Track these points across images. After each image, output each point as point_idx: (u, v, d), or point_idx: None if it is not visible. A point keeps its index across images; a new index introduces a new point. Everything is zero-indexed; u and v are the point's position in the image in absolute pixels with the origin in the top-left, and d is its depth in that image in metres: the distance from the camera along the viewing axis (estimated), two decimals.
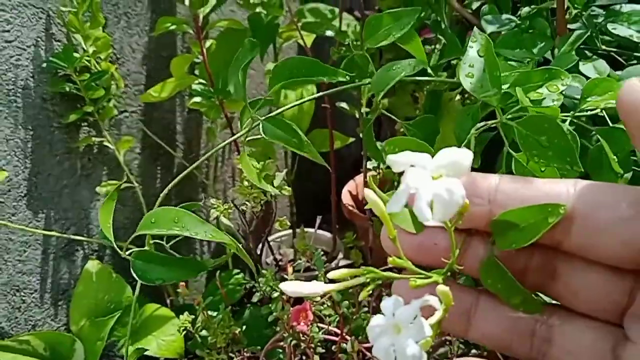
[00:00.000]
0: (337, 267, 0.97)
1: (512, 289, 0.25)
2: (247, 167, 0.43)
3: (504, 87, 0.34)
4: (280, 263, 0.96)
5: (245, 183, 0.57)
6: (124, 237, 0.85)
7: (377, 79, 0.35)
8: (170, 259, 0.38)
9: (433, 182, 0.21)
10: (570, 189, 0.24)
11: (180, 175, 0.49)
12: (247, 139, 0.42)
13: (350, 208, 0.96)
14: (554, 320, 0.26)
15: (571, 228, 0.23)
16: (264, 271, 0.60)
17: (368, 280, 0.24)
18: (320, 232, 1.03)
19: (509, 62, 0.43)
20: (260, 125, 0.39)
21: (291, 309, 0.56)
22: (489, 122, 0.36)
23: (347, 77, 0.37)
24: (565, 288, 0.25)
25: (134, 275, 0.37)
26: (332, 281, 0.25)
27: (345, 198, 1.01)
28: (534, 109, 0.32)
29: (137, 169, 0.89)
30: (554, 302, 0.26)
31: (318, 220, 1.00)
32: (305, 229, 1.00)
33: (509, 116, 0.33)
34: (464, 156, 0.21)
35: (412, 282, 0.23)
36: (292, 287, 0.24)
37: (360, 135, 0.91)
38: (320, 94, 0.47)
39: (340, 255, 1.00)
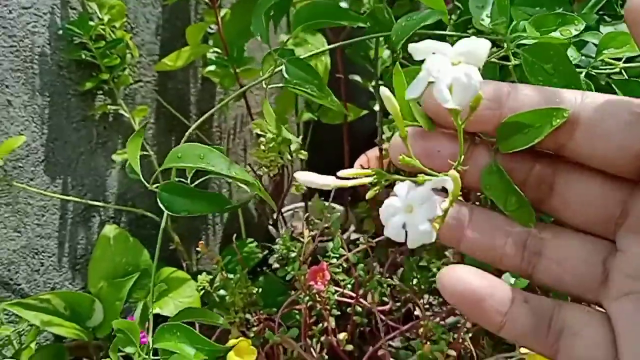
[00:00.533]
0: (350, 240, 0.98)
1: (509, 193, 0.25)
2: (268, 113, 0.44)
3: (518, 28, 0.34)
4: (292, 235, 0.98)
5: (262, 147, 0.57)
6: (140, 205, 0.87)
7: (397, 29, 0.35)
8: (196, 191, 0.40)
9: (452, 67, 0.22)
10: (578, 97, 0.25)
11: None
12: (269, 86, 0.42)
13: None
14: (546, 233, 0.26)
15: (574, 133, 0.24)
16: (280, 239, 0.61)
17: (375, 181, 0.25)
18: (331, 204, 1.04)
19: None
20: (283, 67, 0.40)
21: (308, 269, 0.57)
22: (498, 51, 0.37)
23: (366, 24, 0.38)
24: (560, 200, 0.26)
25: (161, 206, 0.38)
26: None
27: None
28: (541, 38, 0.32)
29: (152, 139, 0.90)
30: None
31: (332, 192, 1.01)
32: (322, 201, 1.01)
33: (516, 46, 0.34)
34: (482, 45, 0.22)
35: (420, 178, 0.24)
36: (306, 176, 0.25)
37: (374, 108, 0.92)
38: (338, 44, 0.48)
39: (352, 228, 1.01)
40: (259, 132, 0.60)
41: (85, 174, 0.81)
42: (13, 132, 0.71)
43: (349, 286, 0.66)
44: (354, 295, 0.65)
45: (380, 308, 0.65)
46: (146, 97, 0.88)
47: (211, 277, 0.62)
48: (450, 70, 0.22)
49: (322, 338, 0.65)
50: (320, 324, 0.64)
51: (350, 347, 0.65)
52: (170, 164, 0.40)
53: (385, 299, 0.66)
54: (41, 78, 0.74)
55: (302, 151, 0.59)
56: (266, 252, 0.89)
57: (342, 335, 0.65)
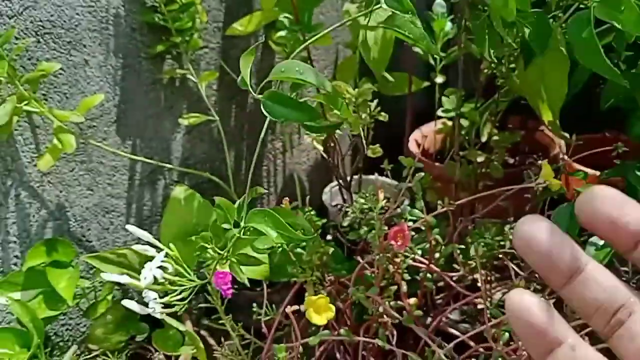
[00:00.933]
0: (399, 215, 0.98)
1: None
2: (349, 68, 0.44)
3: None
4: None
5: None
6: (202, 168, 0.88)
7: None
8: (294, 102, 0.44)
9: None
10: None
11: None
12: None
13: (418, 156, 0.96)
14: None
15: None
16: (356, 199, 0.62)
17: None
18: (384, 179, 1.04)
19: None
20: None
21: (388, 229, 0.58)
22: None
23: None
24: None
25: (264, 112, 0.43)
26: None
27: (412, 146, 1.02)
28: None
29: (214, 105, 0.91)
30: None
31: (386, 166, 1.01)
32: (371, 176, 1.01)
33: None
34: None
35: None
36: None
37: (434, 80, 0.91)
38: None
39: (406, 202, 1.01)
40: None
41: (153, 136, 0.82)
42: (89, 92, 0.73)
43: (419, 252, 0.66)
44: (426, 260, 0.65)
45: (451, 274, 0.66)
46: (210, 64, 0.89)
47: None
48: None
49: (392, 302, 0.65)
50: (390, 289, 0.65)
51: (419, 313, 0.65)
52: (275, 77, 0.44)
53: (455, 266, 0.66)
54: (115, 39, 0.75)
55: (382, 113, 0.60)
56: (324, 220, 0.89)
57: (412, 301, 0.66)
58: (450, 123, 0.93)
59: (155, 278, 0.50)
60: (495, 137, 0.82)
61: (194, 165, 0.89)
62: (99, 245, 0.78)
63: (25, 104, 0.64)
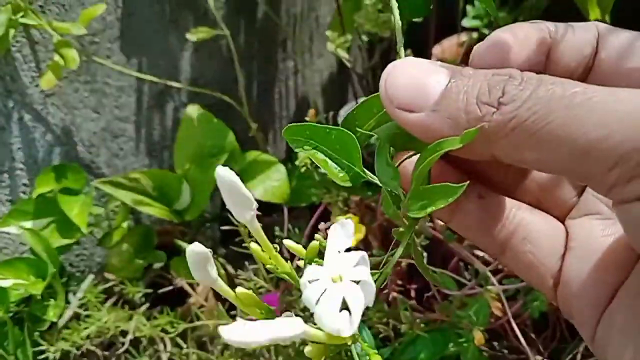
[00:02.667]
0: None
1: None
2: None
3: None
4: None
5: (369, 10, 0.52)
6: (212, 89, 0.83)
7: None
8: None
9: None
10: None
11: None
12: None
13: None
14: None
15: None
16: None
17: None
18: None
19: None
20: None
21: None
22: None
23: None
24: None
25: None
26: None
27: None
28: None
29: (223, 19, 0.84)
30: None
31: None
32: None
33: None
34: None
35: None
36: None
37: None
38: None
39: None
40: None
41: (159, 54, 0.76)
42: (88, 3, 0.67)
43: None
44: None
45: None
46: None
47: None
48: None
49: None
50: None
51: (452, 237, 0.62)
52: None
53: None
54: None
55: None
56: None
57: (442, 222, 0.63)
58: (475, 35, 0.87)
59: None
60: None
61: (208, 85, 0.83)
62: (110, 172, 0.74)
63: (22, 17, 0.59)
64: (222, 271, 0.66)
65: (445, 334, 0.48)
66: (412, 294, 0.67)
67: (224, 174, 0.21)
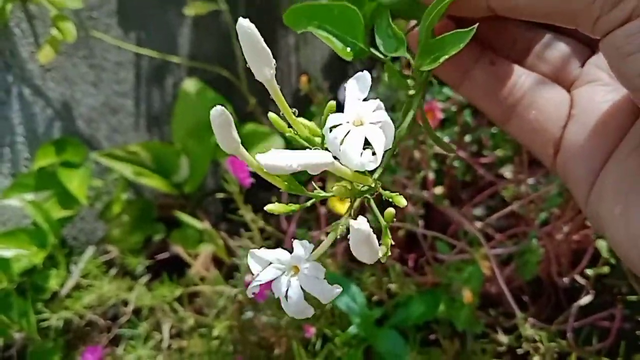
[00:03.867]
0: None
1: None
2: None
3: None
4: None
5: None
6: (216, 65, 0.83)
7: None
8: None
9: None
10: None
11: None
12: None
13: None
14: (533, 33, 0.26)
15: None
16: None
17: None
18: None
19: None
20: None
21: None
22: None
23: None
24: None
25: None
26: None
27: None
28: None
29: None
30: None
31: None
32: None
33: None
34: None
35: None
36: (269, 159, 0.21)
37: None
38: None
39: None
40: None
41: (157, 29, 0.77)
42: None
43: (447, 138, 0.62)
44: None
45: (482, 160, 0.62)
46: None
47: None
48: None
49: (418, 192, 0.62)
50: (416, 176, 0.62)
51: (447, 203, 0.63)
52: None
53: (485, 152, 0.63)
54: None
55: None
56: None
57: (438, 190, 0.63)
58: None
59: None
60: None
61: (207, 59, 0.84)
62: (110, 147, 0.75)
63: None
64: (221, 242, 0.67)
65: (436, 294, 0.49)
66: (410, 263, 0.68)
67: (245, 25, 0.21)
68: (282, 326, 0.51)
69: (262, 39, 0.21)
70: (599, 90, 0.23)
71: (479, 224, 0.63)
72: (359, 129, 0.19)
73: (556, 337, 0.51)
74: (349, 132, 0.19)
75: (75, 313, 0.61)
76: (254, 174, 0.58)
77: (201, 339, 0.56)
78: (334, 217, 0.63)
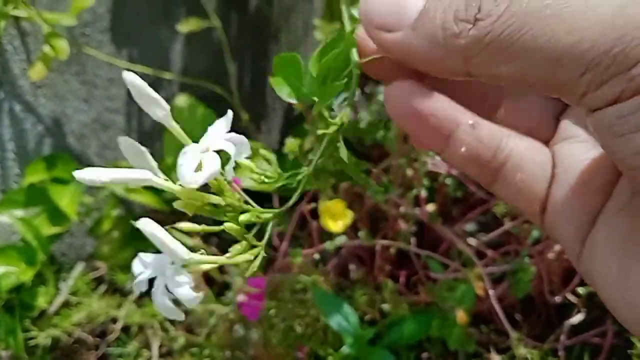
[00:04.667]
0: None
1: None
2: None
3: None
4: None
5: None
6: (209, 81, 0.83)
7: None
8: None
9: None
10: None
11: None
12: None
13: None
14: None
15: None
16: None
17: None
18: None
19: None
20: None
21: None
22: None
23: None
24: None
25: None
26: None
27: None
28: None
29: (215, 11, 0.85)
30: None
31: None
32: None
33: None
34: None
35: None
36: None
37: None
38: None
39: None
40: None
41: (150, 46, 0.77)
42: None
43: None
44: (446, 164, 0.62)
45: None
46: None
47: (300, 140, 0.59)
48: None
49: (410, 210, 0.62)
50: (409, 194, 0.62)
51: (439, 219, 0.63)
52: None
53: None
54: None
55: None
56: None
57: (430, 207, 0.63)
58: None
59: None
60: None
61: (196, 78, 0.84)
62: (100, 163, 0.75)
63: (13, 8, 0.59)
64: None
65: (429, 314, 0.49)
66: (402, 280, 0.68)
67: (132, 78, 0.23)
68: (274, 345, 0.51)
69: (147, 86, 0.24)
70: (578, 148, 0.23)
71: (472, 241, 0.63)
72: (201, 154, 0.22)
73: (548, 356, 0.51)
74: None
75: (63, 331, 0.60)
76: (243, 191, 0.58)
77: (192, 359, 0.55)
78: (326, 234, 0.63)
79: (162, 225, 0.66)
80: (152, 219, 0.64)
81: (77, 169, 0.64)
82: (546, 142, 0.24)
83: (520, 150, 0.24)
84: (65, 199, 0.64)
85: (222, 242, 0.77)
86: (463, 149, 0.23)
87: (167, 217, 0.74)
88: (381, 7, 0.21)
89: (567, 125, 0.24)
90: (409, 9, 0.21)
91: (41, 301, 0.60)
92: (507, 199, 0.24)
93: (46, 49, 0.62)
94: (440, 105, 0.23)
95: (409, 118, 0.23)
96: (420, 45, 0.21)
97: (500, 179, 0.24)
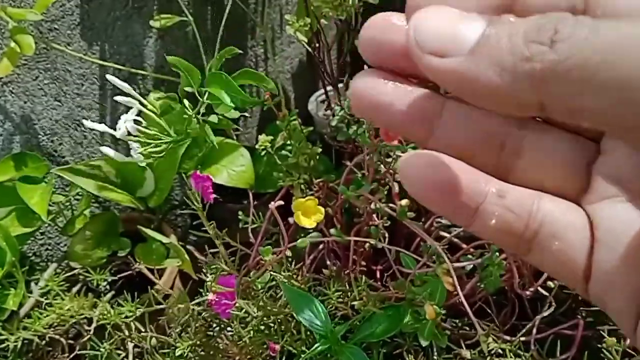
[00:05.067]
0: None
1: None
2: None
3: None
4: None
5: None
6: (177, 77, 0.82)
7: None
8: None
9: None
10: None
11: None
12: None
13: None
14: (528, 131, 0.22)
15: None
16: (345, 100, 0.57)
17: None
18: None
19: None
20: None
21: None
22: None
23: None
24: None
25: None
26: None
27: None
28: None
29: (188, 7, 0.84)
30: None
31: None
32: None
33: None
34: None
35: None
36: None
37: None
38: None
39: None
40: None
41: (122, 41, 0.76)
42: None
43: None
44: None
45: None
46: None
47: (272, 137, 0.59)
48: None
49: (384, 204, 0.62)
50: (382, 190, 0.62)
51: (412, 214, 0.63)
52: None
53: None
54: None
55: None
56: (311, 128, 0.85)
57: (404, 202, 0.63)
58: None
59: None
60: None
61: (170, 73, 0.83)
62: (73, 161, 0.73)
63: None
64: (187, 257, 0.66)
65: (399, 310, 0.49)
66: (378, 275, 0.68)
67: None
68: (247, 343, 0.51)
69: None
70: (620, 209, 0.20)
71: (445, 234, 0.63)
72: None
73: (520, 350, 0.52)
74: None
75: (34, 333, 0.59)
76: (218, 189, 0.57)
77: (165, 358, 0.54)
78: (303, 230, 0.62)
79: (137, 223, 0.65)
80: (126, 216, 0.64)
81: (48, 167, 0.63)
82: (576, 195, 0.22)
83: (554, 216, 0.21)
84: (35, 198, 0.63)
85: (200, 239, 0.76)
86: (493, 222, 0.21)
87: (141, 215, 0.73)
88: (437, 29, 0.18)
89: (601, 182, 0.21)
90: (466, 33, 0.18)
91: (10, 303, 0.59)
92: (546, 269, 0.22)
93: (12, 44, 0.61)
94: (464, 177, 0.21)
95: (432, 197, 0.21)
96: (482, 72, 0.17)
97: (535, 248, 0.21)
